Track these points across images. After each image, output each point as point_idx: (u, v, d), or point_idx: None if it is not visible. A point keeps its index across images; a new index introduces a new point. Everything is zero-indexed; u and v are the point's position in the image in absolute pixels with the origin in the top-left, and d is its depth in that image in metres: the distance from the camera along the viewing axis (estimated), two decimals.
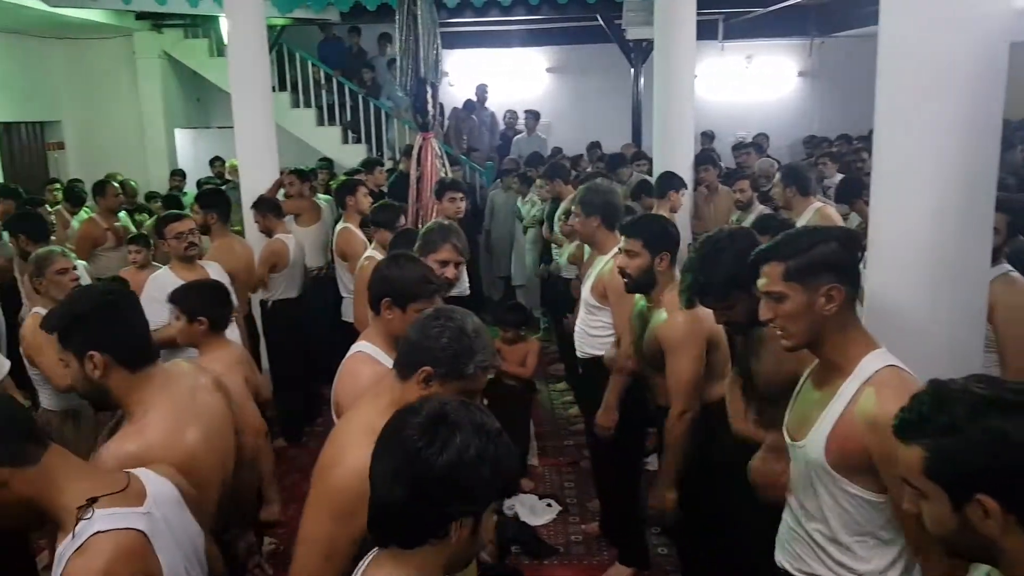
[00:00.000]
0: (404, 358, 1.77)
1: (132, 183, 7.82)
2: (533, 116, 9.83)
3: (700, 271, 2.32)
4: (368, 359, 2.23)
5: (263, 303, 5.15)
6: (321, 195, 6.65)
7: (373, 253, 4.05)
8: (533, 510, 4.08)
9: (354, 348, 2.33)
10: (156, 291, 3.50)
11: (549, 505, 4.18)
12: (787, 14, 9.04)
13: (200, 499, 1.72)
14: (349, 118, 9.83)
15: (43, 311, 3.30)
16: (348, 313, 5.04)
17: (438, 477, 1.20)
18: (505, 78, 10.95)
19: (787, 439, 1.86)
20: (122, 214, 6.09)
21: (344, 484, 1.58)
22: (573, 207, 3.58)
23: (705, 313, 2.50)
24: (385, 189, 6.75)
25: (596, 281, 3.45)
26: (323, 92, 9.78)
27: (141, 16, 9.37)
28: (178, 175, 8.64)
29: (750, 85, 11.17)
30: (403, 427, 1.27)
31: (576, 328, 3.67)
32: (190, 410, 1.88)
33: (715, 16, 9.21)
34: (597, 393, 3.36)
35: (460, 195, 4.75)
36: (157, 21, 9.66)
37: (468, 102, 10.09)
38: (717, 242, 2.34)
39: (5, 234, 4.78)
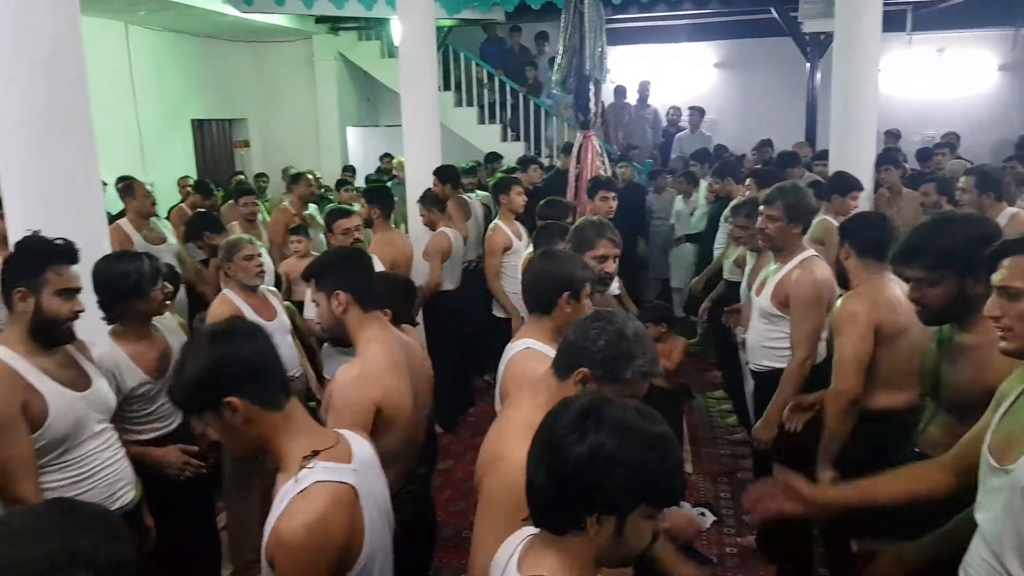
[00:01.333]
0: (563, 358, 1.82)
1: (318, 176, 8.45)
2: (698, 113, 9.65)
3: (922, 235, 2.16)
4: (538, 355, 2.29)
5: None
6: (479, 191, 6.88)
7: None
8: None
9: (520, 344, 2.40)
10: None
11: (703, 514, 4.12)
12: (987, 1, 8.32)
13: (403, 429, 2.09)
14: (509, 116, 10.10)
15: (230, 293, 3.69)
16: (500, 308, 5.21)
17: (569, 469, 1.23)
18: (669, 74, 10.82)
19: (989, 461, 1.68)
20: (312, 206, 6.60)
21: (509, 479, 1.63)
22: (763, 208, 3.34)
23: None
24: (539, 186, 6.88)
25: (777, 288, 3.30)
26: (484, 91, 10.11)
27: (320, 20, 10.10)
28: (349, 171, 9.23)
29: (941, 80, 10.37)
30: (558, 415, 1.32)
31: (749, 340, 3.55)
32: (398, 352, 2.36)
33: (903, 6, 8.63)
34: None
35: (612, 194, 4.79)
36: (334, 24, 10.37)
37: (619, 88, 9.93)
38: (954, 217, 2.26)
39: (191, 245, 5.33)
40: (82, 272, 2.48)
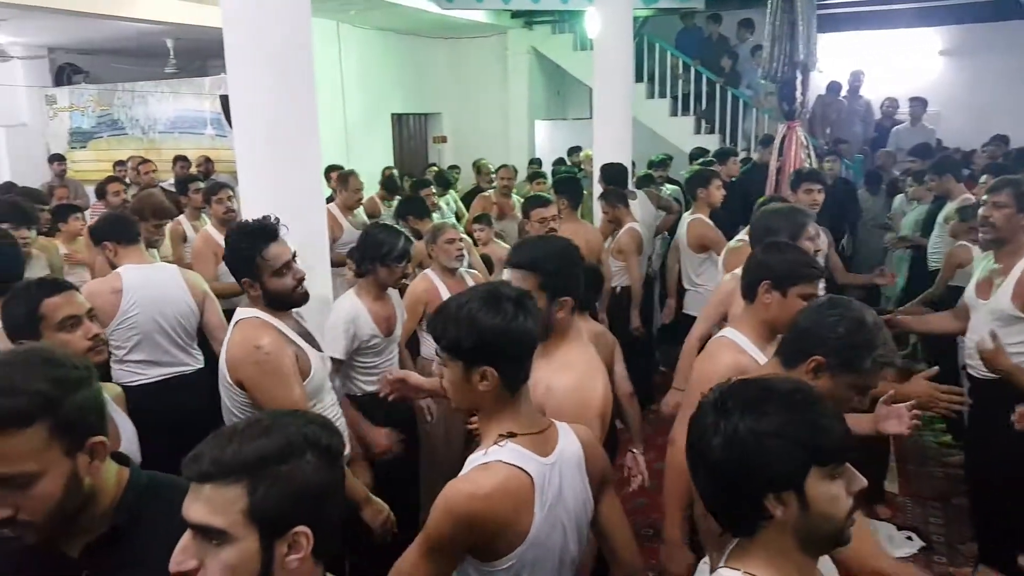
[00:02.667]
0: (792, 345, 1.78)
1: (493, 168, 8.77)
2: (920, 104, 8.92)
3: None
4: (731, 345, 2.27)
5: (612, 288, 5.45)
6: (669, 185, 6.81)
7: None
8: (891, 540, 3.79)
9: (721, 333, 2.40)
10: None
11: (910, 538, 3.85)
12: None
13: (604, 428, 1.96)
14: (704, 108, 9.89)
15: (431, 272, 3.93)
16: (691, 306, 5.13)
17: (720, 464, 1.22)
18: (885, 63, 10.09)
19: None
20: (514, 196, 6.86)
21: None
22: (989, 195, 3.13)
23: None
24: (736, 180, 6.69)
25: (1018, 287, 3.04)
26: (679, 82, 9.96)
27: (515, 15, 10.42)
28: (535, 163, 9.46)
29: None
30: (693, 421, 1.29)
31: (971, 344, 3.29)
32: (594, 355, 2.17)
33: None
34: (993, 421, 2.99)
35: (818, 187, 4.53)
36: (529, 19, 10.66)
37: (832, 84, 9.44)
38: None
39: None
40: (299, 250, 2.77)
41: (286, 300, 2.56)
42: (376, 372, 3.26)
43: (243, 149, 3.53)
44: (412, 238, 3.49)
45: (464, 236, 4.09)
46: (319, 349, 2.73)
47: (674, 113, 10.01)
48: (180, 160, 8.66)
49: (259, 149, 3.47)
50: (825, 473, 1.21)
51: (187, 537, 1.12)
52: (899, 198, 6.89)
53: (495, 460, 1.60)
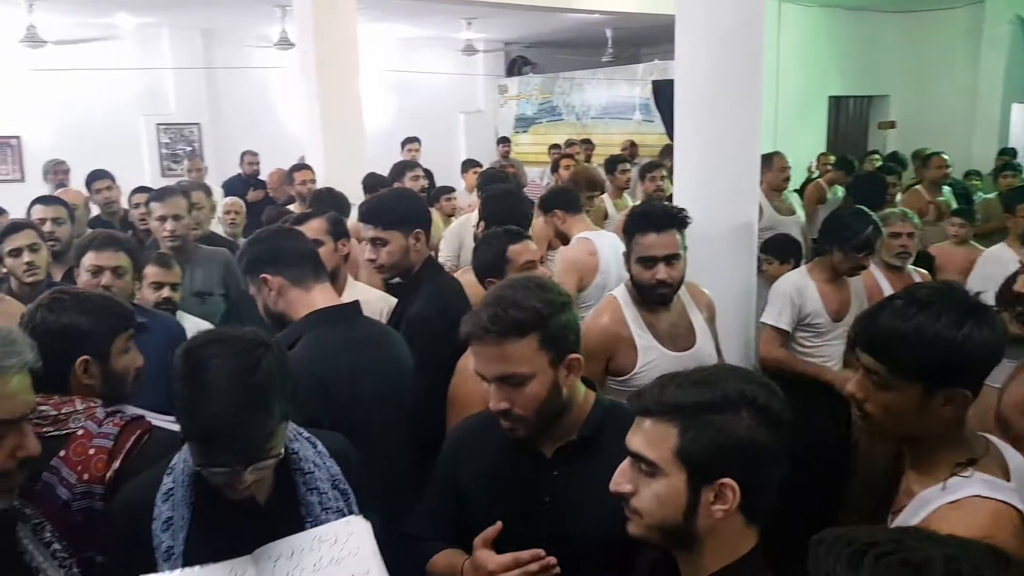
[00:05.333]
0: None
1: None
2: None
3: None
4: None
5: None
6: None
7: None
8: None
9: None
10: (990, 267, 3.58)
11: None
12: None
13: None
14: None
15: (875, 269, 3.65)
16: None
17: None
18: None
19: None
20: (946, 189, 6.14)
21: None
22: None
23: None
24: None
25: None
26: None
27: None
28: (1008, 154, 8.19)
29: None
30: None
31: None
32: None
33: None
34: None
35: None
36: None
37: None
38: None
39: None
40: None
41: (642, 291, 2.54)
42: (814, 356, 3.31)
43: (681, 130, 3.65)
44: (880, 227, 3.32)
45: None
46: (690, 345, 2.60)
47: None
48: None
49: (697, 129, 3.56)
50: None
51: (626, 463, 1.28)
52: None
53: (967, 495, 1.41)
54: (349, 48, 6.39)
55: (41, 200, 3.99)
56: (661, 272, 2.43)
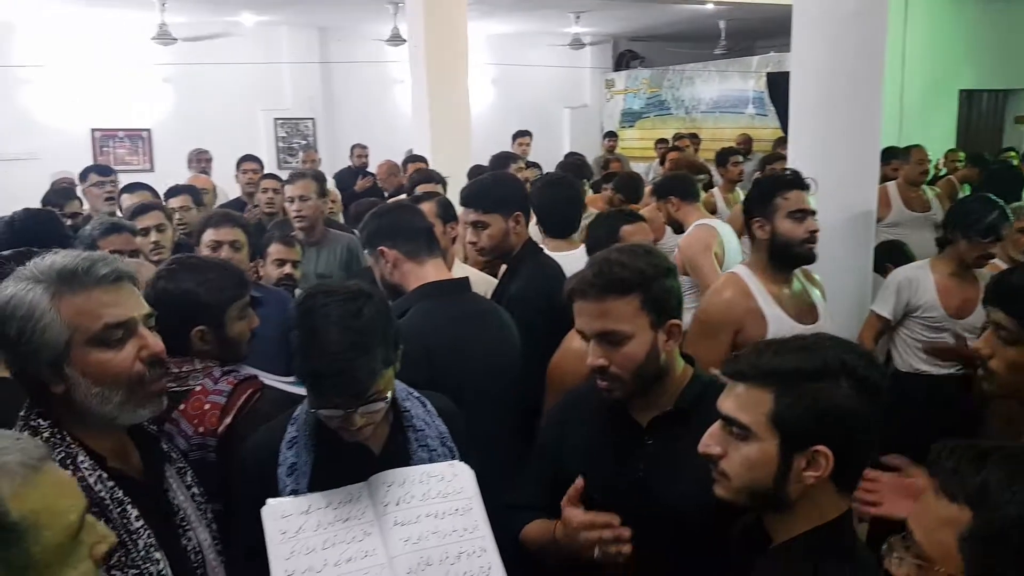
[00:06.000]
0: None
1: None
2: None
3: None
4: None
5: None
6: None
7: None
8: None
9: None
10: None
11: None
12: None
13: None
14: None
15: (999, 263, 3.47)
16: None
17: None
18: None
19: None
20: None
21: None
22: None
23: None
24: None
25: None
26: None
27: None
28: None
29: None
30: None
31: None
32: None
33: None
34: None
35: None
36: None
37: None
38: None
39: None
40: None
41: (786, 250, 2.49)
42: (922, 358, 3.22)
43: (796, 122, 3.57)
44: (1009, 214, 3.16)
45: None
46: (814, 319, 2.57)
47: None
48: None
49: (813, 121, 3.48)
50: None
51: (717, 426, 1.30)
52: None
53: None
54: (458, 44, 6.51)
55: (173, 190, 4.37)
56: (812, 224, 2.46)
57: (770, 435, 1.22)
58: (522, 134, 7.79)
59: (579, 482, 1.51)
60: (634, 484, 1.59)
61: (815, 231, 2.47)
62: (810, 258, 2.52)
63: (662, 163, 7.17)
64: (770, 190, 2.53)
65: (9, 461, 0.85)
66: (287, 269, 3.12)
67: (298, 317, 1.47)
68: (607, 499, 1.54)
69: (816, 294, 2.65)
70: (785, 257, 2.51)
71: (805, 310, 2.58)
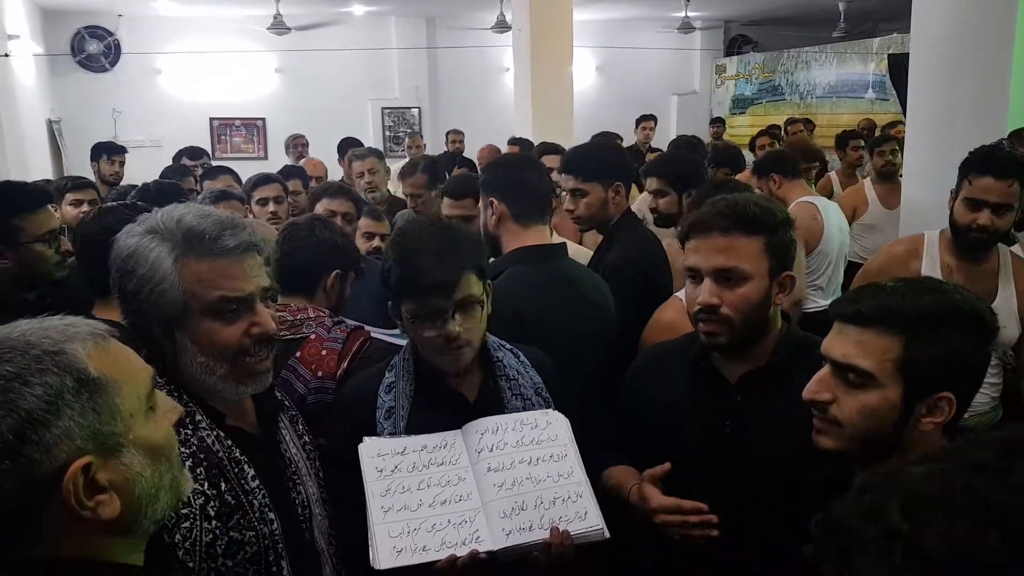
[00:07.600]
0: None
1: None
2: None
3: None
4: None
5: None
6: None
7: None
8: None
9: None
10: None
11: None
12: None
13: None
14: None
15: None
16: None
17: None
18: None
19: None
20: None
21: None
22: None
23: None
24: None
25: None
26: None
27: None
28: None
29: None
30: None
31: None
32: None
33: None
34: None
35: None
36: None
37: None
38: None
39: None
40: None
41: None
42: None
43: (915, 102, 3.46)
44: None
45: None
46: (992, 296, 2.49)
47: None
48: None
49: (932, 101, 3.36)
50: None
51: (825, 371, 1.27)
52: None
53: None
54: (564, 30, 6.58)
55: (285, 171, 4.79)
56: (984, 218, 2.35)
57: (895, 382, 1.19)
58: (646, 118, 7.78)
59: (665, 466, 1.52)
60: (721, 441, 1.59)
61: (984, 225, 2.36)
62: (975, 248, 2.43)
63: (751, 149, 6.73)
64: (966, 167, 2.44)
65: (81, 331, 0.94)
66: (375, 242, 3.23)
67: (394, 237, 1.70)
68: (694, 455, 1.57)
69: (1008, 288, 2.51)
70: (955, 235, 2.46)
71: (979, 290, 2.43)
